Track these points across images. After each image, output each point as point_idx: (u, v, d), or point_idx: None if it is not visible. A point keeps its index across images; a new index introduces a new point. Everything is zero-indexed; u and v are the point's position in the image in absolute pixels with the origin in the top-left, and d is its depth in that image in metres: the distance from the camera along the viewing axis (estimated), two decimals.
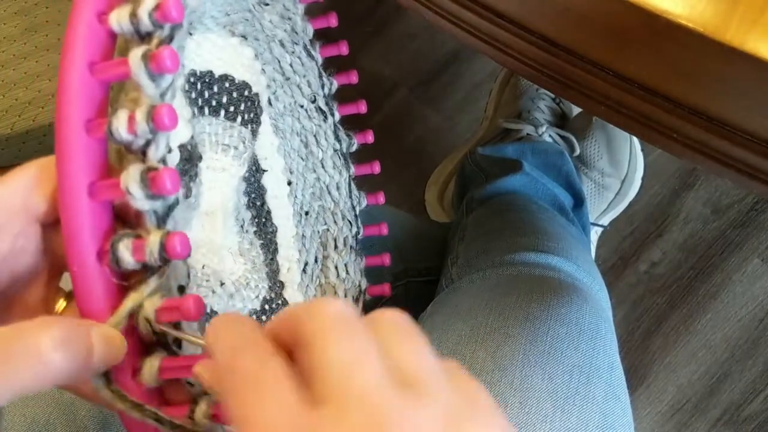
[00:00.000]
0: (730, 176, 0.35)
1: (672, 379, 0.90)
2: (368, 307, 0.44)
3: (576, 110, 0.91)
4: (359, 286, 0.45)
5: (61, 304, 0.29)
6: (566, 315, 0.46)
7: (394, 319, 0.23)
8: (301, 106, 0.44)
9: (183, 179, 0.34)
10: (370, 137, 0.46)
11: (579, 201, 0.77)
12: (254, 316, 0.39)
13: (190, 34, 0.37)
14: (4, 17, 0.98)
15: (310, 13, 0.43)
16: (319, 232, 0.46)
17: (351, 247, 0.45)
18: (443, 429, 0.20)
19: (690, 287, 0.93)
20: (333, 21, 0.43)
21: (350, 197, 0.46)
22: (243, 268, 0.40)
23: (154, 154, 0.25)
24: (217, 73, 0.39)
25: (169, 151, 0.26)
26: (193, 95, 0.37)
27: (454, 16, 0.39)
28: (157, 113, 0.24)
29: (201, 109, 0.37)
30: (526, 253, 0.53)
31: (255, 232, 0.43)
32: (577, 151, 0.84)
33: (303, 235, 0.46)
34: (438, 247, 0.66)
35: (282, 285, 0.44)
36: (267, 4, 0.41)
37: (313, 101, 0.44)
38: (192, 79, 0.37)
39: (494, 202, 0.68)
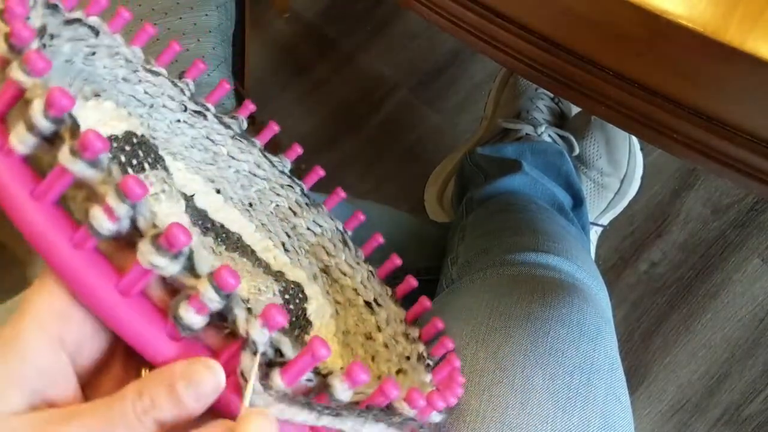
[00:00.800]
0: (730, 176, 0.35)
1: (672, 379, 0.90)
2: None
3: (575, 110, 0.91)
4: (338, 229, 0.45)
5: (144, 372, 0.29)
6: (567, 315, 0.46)
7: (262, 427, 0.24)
8: (178, 121, 0.45)
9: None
10: (251, 106, 0.46)
11: (578, 201, 0.77)
12: (284, 309, 0.39)
13: None
14: None
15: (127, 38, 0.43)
16: (272, 212, 0.46)
17: (306, 204, 0.46)
18: None
19: (690, 287, 0.93)
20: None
21: (273, 166, 0.46)
22: (244, 282, 0.40)
23: (144, 223, 0.25)
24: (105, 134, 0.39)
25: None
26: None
27: (454, 16, 0.39)
28: (124, 185, 0.24)
29: None
30: (526, 253, 0.53)
31: (226, 248, 0.43)
32: (576, 151, 0.84)
33: (262, 223, 0.46)
34: (438, 247, 0.66)
35: (281, 273, 0.45)
36: (93, 54, 0.40)
37: (185, 110, 0.44)
38: None
39: (494, 202, 0.68)
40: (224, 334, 0.27)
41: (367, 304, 0.42)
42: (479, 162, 0.78)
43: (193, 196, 0.45)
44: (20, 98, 0.25)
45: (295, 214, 0.46)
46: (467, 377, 0.42)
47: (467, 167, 0.80)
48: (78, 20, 0.39)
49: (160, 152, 0.42)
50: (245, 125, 0.46)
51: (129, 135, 0.40)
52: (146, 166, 0.39)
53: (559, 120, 0.88)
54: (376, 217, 0.63)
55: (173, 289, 0.26)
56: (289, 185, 0.46)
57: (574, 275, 0.52)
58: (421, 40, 1.06)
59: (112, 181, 0.24)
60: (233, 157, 0.46)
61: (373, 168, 1.00)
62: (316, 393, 0.27)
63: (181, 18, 0.76)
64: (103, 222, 0.24)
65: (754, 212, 0.94)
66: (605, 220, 0.91)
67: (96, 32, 0.40)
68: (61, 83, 0.38)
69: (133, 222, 0.25)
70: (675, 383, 0.90)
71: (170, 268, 0.25)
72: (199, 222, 0.43)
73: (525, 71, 0.39)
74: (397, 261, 0.45)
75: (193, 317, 0.25)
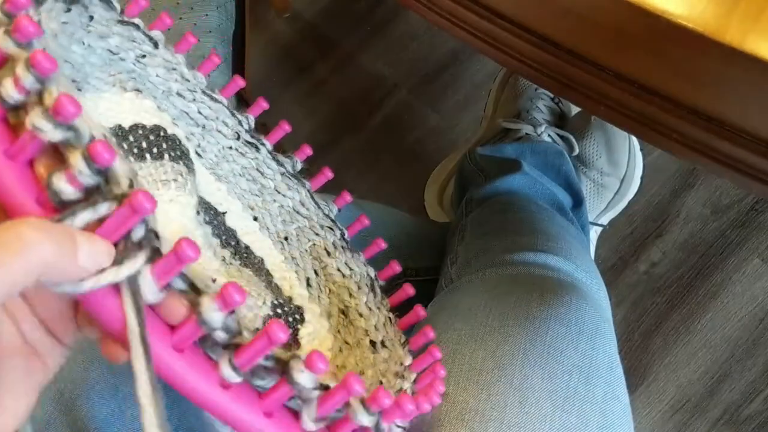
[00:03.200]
0: (730, 176, 0.35)
1: (672, 379, 0.90)
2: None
3: (575, 110, 0.91)
4: (368, 275, 0.45)
5: None
6: (566, 314, 0.46)
7: None
8: (230, 148, 0.46)
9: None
10: (308, 150, 0.47)
11: (578, 200, 0.77)
12: (269, 319, 0.39)
13: (79, 90, 0.38)
14: None
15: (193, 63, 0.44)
16: (307, 249, 0.47)
17: (342, 247, 0.46)
18: None
19: (690, 287, 0.93)
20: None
21: (319, 208, 0.47)
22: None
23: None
24: (126, 124, 0.40)
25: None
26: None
27: (454, 16, 0.39)
28: (33, 59, 0.24)
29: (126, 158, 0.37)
30: (525, 252, 0.53)
31: (240, 264, 0.44)
32: (576, 151, 0.84)
33: (292, 257, 0.47)
34: (437, 247, 0.66)
35: (290, 299, 0.45)
36: (144, 56, 0.41)
37: (238, 138, 0.45)
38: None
39: (493, 201, 0.68)
40: (184, 306, 0.26)
41: (372, 343, 0.42)
42: (479, 162, 0.78)
43: (225, 213, 0.46)
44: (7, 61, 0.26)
45: (329, 254, 0.46)
46: (466, 376, 0.42)
47: (467, 167, 0.80)
48: (135, 24, 0.40)
49: (197, 166, 0.43)
50: (299, 166, 0.47)
51: (157, 128, 0.41)
52: (167, 156, 0.40)
53: (559, 120, 0.88)
54: (376, 217, 0.63)
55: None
56: (330, 227, 0.47)
57: (573, 275, 0.52)
58: (421, 40, 1.06)
59: (80, 146, 0.24)
60: (279, 192, 0.47)
61: (373, 168, 1.00)
62: (276, 377, 0.27)
63: (181, 18, 0.76)
64: (63, 186, 0.24)
65: (754, 212, 0.94)
66: (605, 220, 0.91)
67: (155, 44, 0.42)
68: (100, 69, 0.39)
69: (99, 187, 0.25)
70: (675, 383, 0.90)
71: (87, 178, 0.24)
72: (223, 237, 0.44)
73: (525, 71, 0.39)
74: (397, 268, 0.45)
75: (65, 186, 0.24)
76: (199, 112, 0.44)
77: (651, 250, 0.95)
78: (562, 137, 0.85)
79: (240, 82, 0.45)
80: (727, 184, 0.95)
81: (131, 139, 0.39)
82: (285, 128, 0.46)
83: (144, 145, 0.39)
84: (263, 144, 0.46)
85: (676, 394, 0.89)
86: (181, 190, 0.40)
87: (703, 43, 0.27)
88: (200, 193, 0.44)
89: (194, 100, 0.44)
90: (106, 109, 0.39)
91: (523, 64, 0.38)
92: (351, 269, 0.46)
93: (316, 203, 0.47)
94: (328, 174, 0.47)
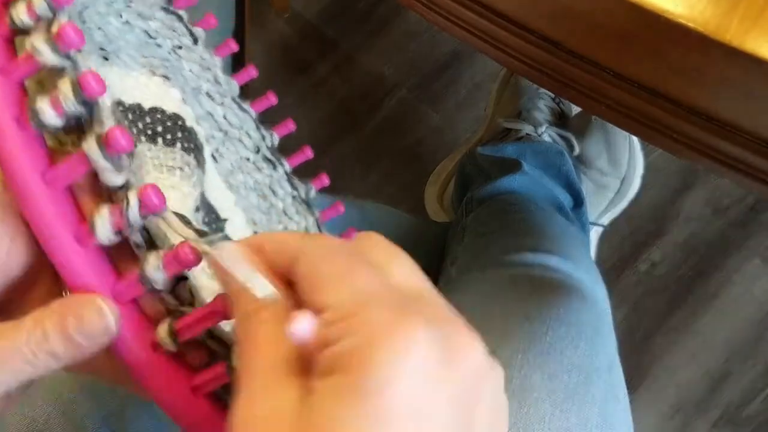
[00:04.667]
0: (730, 176, 0.35)
1: (672, 379, 0.90)
2: None
3: (575, 110, 0.91)
4: None
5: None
6: (565, 315, 0.46)
7: (380, 239, 0.23)
8: (248, 159, 0.45)
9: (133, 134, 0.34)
10: (326, 180, 0.46)
11: (578, 201, 0.77)
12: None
13: (106, 59, 0.37)
14: None
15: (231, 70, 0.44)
16: None
17: None
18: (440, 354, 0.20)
19: (690, 287, 0.93)
20: (253, 72, 0.44)
21: None
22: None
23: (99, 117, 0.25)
24: (146, 106, 0.39)
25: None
26: (126, 123, 0.37)
27: (454, 16, 0.39)
28: (82, 80, 0.24)
29: (138, 136, 0.37)
30: (525, 253, 0.53)
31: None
32: (577, 151, 0.84)
33: None
34: (437, 247, 0.66)
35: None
36: (180, 48, 0.41)
37: (258, 151, 0.45)
38: (122, 108, 0.37)
39: (494, 202, 0.68)
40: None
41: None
42: (479, 162, 0.78)
43: (225, 221, 0.45)
44: None
45: None
46: None
47: (467, 167, 0.80)
48: (178, 15, 0.40)
49: (209, 168, 0.43)
50: (312, 194, 0.46)
51: (176, 116, 0.40)
52: (179, 144, 0.39)
53: (560, 120, 0.88)
54: (376, 217, 0.63)
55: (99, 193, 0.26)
56: None
57: (573, 275, 0.52)
58: (421, 40, 1.06)
59: (73, 74, 0.24)
60: (287, 215, 0.46)
61: (373, 168, 1.00)
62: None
63: None
64: (46, 108, 0.24)
65: (754, 212, 0.94)
66: (605, 220, 0.91)
67: (195, 39, 0.41)
68: (134, 47, 0.39)
69: (80, 121, 0.25)
70: (675, 383, 0.90)
71: (108, 175, 0.25)
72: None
73: (525, 71, 0.39)
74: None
75: (47, 109, 0.24)
76: (225, 118, 0.44)
77: (651, 250, 0.95)
78: (562, 137, 0.85)
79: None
80: (727, 184, 0.95)
81: (148, 120, 0.39)
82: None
83: (159, 128, 0.39)
84: (282, 164, 0.45)
85: (676, 394, 0.89)
86: (186, 180, 0.40)
87: (703, 43, 0.27)
88: (206, 195, 0.43)
89: (222, 104, 0.43)
90: (131, 87, 0.39)
91: (524, 63, 0.38)
92: None
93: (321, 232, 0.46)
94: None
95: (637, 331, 0.92)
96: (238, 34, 0.85)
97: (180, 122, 0.40)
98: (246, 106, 0.44)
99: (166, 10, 0.40)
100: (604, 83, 0.35)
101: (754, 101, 0.31)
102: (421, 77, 1.04)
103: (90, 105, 0.25)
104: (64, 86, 0.24)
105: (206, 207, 0.43)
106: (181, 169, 0.39)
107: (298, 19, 1.09)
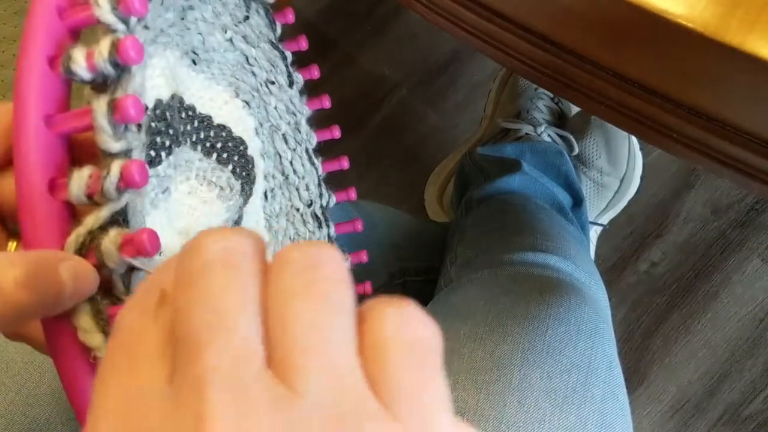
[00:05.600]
0: (730, 176, 0.35)
1: (672, 379, 0.90)
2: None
3: (575, 109, 0.91)
4: None
5: (11, 245, 0.28)
6: (565, 314, 0.46)
7: (307, 261, 0.18)
8: (297, 210, 0.45)
9: (153, 138, 0.34)
10: (364, 257, 0.45)
11: (578, 200, 0.77)
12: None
13: (194, 63, 0.37)
14: (4, 17, 0.98)
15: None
16: None
17: None
18: None
19: (690, 287, 0.93)
20: (326, 103, 0.45)
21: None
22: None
23: (125, 85, 0.25)
24: (216, 121, 0.39)
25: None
26: (189, 128, 0.37)
27: (454, 16, 0.39)
28: (122, 43, 0.24)
29: (195, 144, 0.37)
30: (524, 252, 0.53)
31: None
32: (576, 151, 0.84)
33: None
34: (437, 247, 0.66)
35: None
36: (273, 83, 0.41)
37: (310, 205, 0.45)
38: (191, 113, 0.37)
39: (493, 201, 0.68)
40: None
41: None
42: (479, 162, 0.78)
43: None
44: None
45: None
46: (465, 375, 0.42)
47: (467, 167, 0.80)
48: (284, 55, 0.40)
49: (257, 202, 0.43)
50: (333, 232, 0.46)
51: (240, 141, 0.40)
52: (230, 166, 0.39)
53: (559, 120, 0.88)
54: (376, 217, 0.63)
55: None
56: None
57: (573, 275, 0.52)
58: (421, 40, 1.06)
59: (115, 36, 0.24)
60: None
61: (373, 168, 1.00)
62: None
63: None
64: (79, 57, 0.24)
65: (754, 212, 0.94)
66: (605, 220, 0.91)
67: (291, 82, 0.42)
68: (228, 64, 0.39)
69: (106, 81, 0.25)
70: (675, 383, 0.90)
71: (103, 131, 0.24)
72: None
73: (525, 71, 0.39)
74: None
75: (80, 58, 0.24)
76: (291, 163, 0.44)
77: (651, 250, 0.95)
78: (562, 137, 0.85)
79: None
80: (727, 184, 0.95)
81: (211, 133, 0.39)
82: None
83: (218, 145, 0.38)
84: (329, 226, 0.45)
85: (676, 394, 0.89)
86: (221, 201, 0.39)
87: (703, 43, 0.27)
88: (240, 221, 0.43)
89: (294, 150, 0.43)
90: (209, 98, 0.39)
91: (523, 63, 0.38)
92: None
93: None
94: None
95: (636, 331, 0.92)
96: None
97: (242, 147, 0.40)
98: (316, 161, 0.44)
99: (273, 44, 0.40)
100: (604, 83, 0.35)
101: (753, 101, 0.31)
102: (421, 77, 1.04)
103: (121, 69, 0.24)
104: (104, 43, 0.24)
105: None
106: (222, 188, 0.39)
107: (298, 19, 1.09)
